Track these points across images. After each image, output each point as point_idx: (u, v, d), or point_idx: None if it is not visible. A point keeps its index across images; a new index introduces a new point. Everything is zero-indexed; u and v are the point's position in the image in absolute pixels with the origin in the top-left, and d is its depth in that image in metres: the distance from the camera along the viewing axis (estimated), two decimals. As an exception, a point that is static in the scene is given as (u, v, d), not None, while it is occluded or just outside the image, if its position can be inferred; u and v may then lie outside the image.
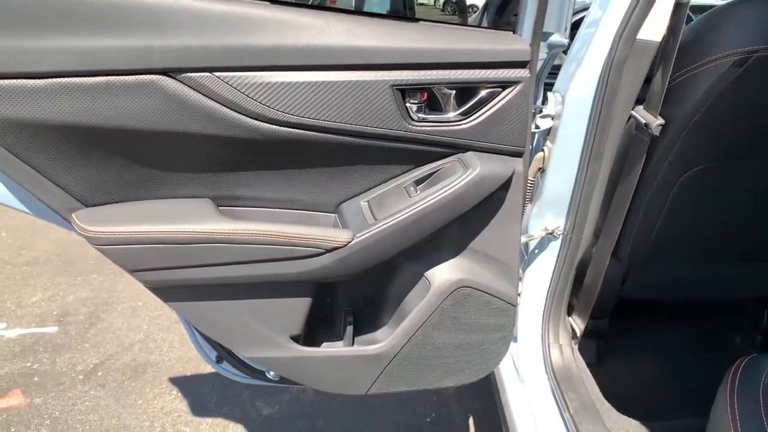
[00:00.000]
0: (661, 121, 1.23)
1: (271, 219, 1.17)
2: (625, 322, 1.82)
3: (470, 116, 1.09)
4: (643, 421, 1.44)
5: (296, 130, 1.03)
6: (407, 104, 1.07)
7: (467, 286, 1.25)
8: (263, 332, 1.19)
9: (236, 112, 0.99)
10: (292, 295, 1.18)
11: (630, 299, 1.73)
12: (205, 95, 0.97)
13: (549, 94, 1.34)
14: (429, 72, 1.04)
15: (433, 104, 1.11)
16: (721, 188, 1.37)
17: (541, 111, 1.33)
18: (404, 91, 1.06)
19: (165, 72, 0.95)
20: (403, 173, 1.18)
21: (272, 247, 1.07)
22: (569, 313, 1.67)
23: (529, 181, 1.42)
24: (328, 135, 1.05)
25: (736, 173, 1.33)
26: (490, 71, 1.05)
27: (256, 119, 1.00)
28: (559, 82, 1.32)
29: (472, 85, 1.07)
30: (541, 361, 1.48)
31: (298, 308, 1.20)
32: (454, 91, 1.10)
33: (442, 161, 1.15)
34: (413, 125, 1.07)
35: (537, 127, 1.33)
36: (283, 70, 0.99)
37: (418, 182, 1.16)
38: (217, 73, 0.97)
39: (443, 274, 1.24)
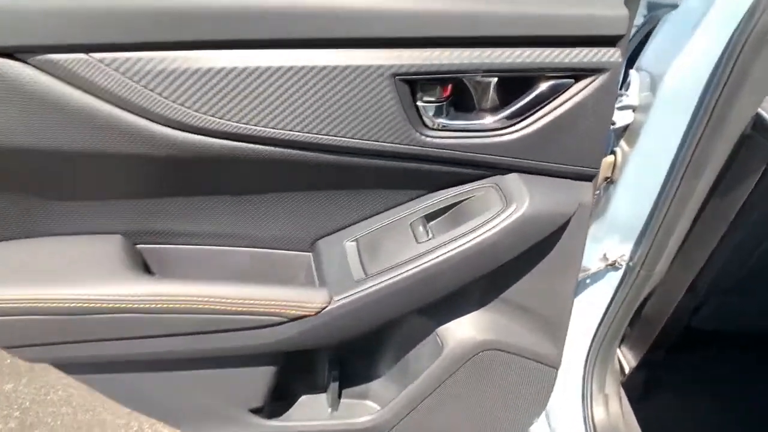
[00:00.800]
0: None
1: (211, 260, 0.80)
2: (680, 353, 1.46)
3: (519, 121, 0.70)
4: None
5: (235, 143, 0.65)
6: (419, 103, 0.68)
7: (495, 349, 0.89)
8: (214, 407, 0.87)
9: (133, 114, 0.61)
10: (249, 365, 0.84)
11: (696, 329, 1.37)
12: (79, 89, 0.59)
13: (632, 73, 0.91)
14: (457, 52, 0.63)
15: (460, 102, 0.71)
16: None
17: (617, 99, 0.91)
18: (414, 82, 0.66)
19: (7, 52, 0.57)
20: (409, 200, 0.79)
21: (209, 317, 0.72)
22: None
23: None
24: (291, 151, 0.67)
25: None
26: (557, 52, 0.65)
27: (166, 126, 0.62)
28: (649, 58, 0.89)
29: (528, 74, 0.66)
30: (580, 419, 1.14)
31: (257, 378, 0.86)
32: (494, 80, 0.70)
33: (469, 186, 0.76)
34: (428, 135, 0.69)
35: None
36: (208, 48, 0.60)
37: (430, 217, 0.78)
38: (96, 54, 0.58)
39: (463, 332, 0.89)
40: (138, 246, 0.79)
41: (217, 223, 0.78)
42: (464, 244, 0.72)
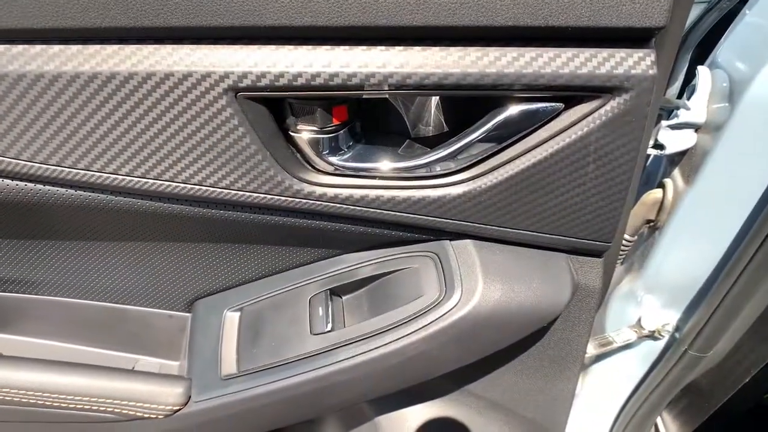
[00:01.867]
0: None
1: (56, 313, 0.59)
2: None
3: (473, 165, 0.43)
4: None
5: (51, 188, 0.44)
6: (293, 133, 0.43)
7: None
8: None
9: None
10: None
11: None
12: None
13: (701, 71, 0.59)
14: (352, 52, 0.38)
15: (374, 126, 0.44)
16: None
17: (671, 113, 0.60)
18: (277, 101, 0.42)
19: None
20: (318, 260, 0.54)
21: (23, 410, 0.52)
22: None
23: (626, 241, 0.72)
24: (127, 199, 0.44)
25: None
26: (534, 56, 0.38)
27: None
28: (727, 55, 0.57)
29: (484, 93, 0.38)
30: None
31: None
32: (434, 100, 0.43)
33: (399, 252, 0.50)
34: (314, 183, 0.45)
35: (658, 146, 0.60)
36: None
37: (339, 290, 0.52)
38: None
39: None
40: None
41: (59, 272, 0.56)
42: (376, 349, 0.46)
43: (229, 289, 0.58)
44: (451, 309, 0.45)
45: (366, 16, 0.35)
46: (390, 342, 0.46)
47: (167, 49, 0.38)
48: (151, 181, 0.43)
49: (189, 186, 0.43)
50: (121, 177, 0.43)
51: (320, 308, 0.51)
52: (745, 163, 0.58)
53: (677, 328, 0.75)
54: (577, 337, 0.54)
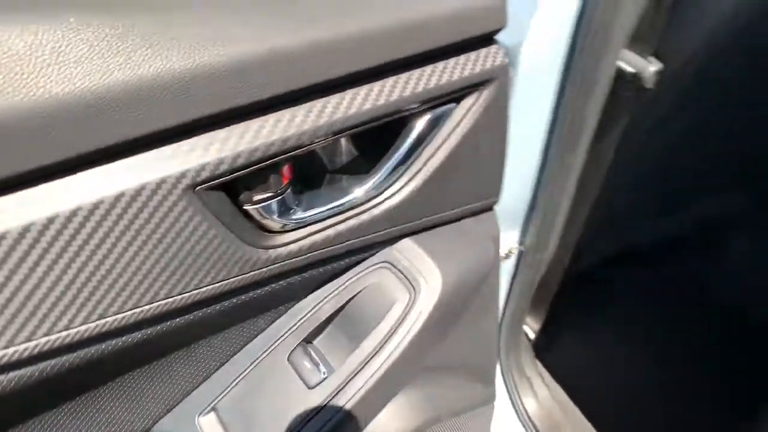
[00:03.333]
0: (658, 65, 0.70)
1: None
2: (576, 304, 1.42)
3: (399, 178, 0.51)
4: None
5: None
6: (249, 207, 0.45)
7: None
8: None
9: None
10: None
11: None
12: None
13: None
14: (285, 117, 0.42)
15: (309, 178, 0.49)
16: None
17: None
18: (230, 182, 0.43)
19: None
20: (274, 321, 0.56)
21: None
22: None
23: None
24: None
25: None
26: (426, 74, 0.46)
27: None
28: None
29: (396, 116, 0.46)
30: (517, 421, 1.04)
31: None
32: (341, 141, 0.49)
33: (353, 275, 0.55)
34: (275, 245, 0.47)
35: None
36: None
37: (308, 339, 0.55)
38: None
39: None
40: None
41: None
42: (380, 368, 0.51)
43: (189, 395, 0.55)
44: (428, 299, 0.52)
45: (290, 79, 0.39)
46: (389, 354, 0.52)
47: (102, 169, 0.36)
48: (119, 316, 0.40)
49: (156, 304, 0.41)
50: (83, 328, 0.39)
51: (305, 361, 0.53)
52: (532, 107, 0.76)
53: (521, 242, 0.95)
54: (494, 278, 0.67)
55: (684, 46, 0.66)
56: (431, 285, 0.53)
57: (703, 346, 0.86)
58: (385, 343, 0.53)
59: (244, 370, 0.55)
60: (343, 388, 0.52)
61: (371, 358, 0.53)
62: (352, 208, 0.49)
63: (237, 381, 0.55)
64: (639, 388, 0.93)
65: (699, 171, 0.84)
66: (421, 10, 0.43)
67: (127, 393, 0.51)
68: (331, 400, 0.52)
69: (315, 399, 0.52)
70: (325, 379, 0.53)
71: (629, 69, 0.66)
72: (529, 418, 1.00)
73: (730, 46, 0.63)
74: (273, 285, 0.49)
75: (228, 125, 0.39)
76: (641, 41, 0.67)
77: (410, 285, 0.54)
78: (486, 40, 0.48)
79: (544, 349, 1.13)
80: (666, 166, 0.81)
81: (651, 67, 0.66)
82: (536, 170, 0.82)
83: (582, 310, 1.15)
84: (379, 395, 0.55)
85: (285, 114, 0.41)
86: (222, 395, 0.55)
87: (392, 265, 0.55)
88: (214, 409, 0.55)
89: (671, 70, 0.64)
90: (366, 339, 0.53)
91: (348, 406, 0.52)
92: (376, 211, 0.50)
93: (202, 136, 0.38)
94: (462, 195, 0.56)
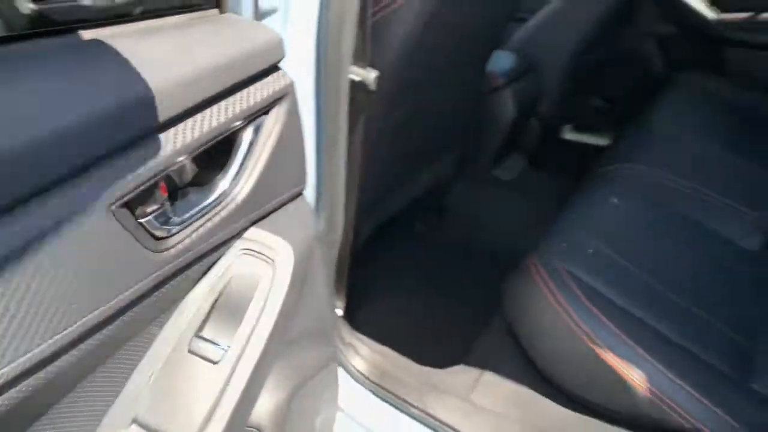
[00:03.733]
0: (375, 72, 0.83)
1: None
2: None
3: (240, 177, 0.65)
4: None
5: None
6: (143, 220, 0.55)
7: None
8: None
9: None
10: None
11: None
12: None
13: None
14: (157, 143, 0.54)
15: (177, 190, 0.62)
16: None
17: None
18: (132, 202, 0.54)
19: None
20: (156, 325, 0.66)
21: None
22: None
23: None
24: None
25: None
26: (239, 99, 0.61)
27: None
28: None
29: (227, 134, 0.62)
30: (350, 380, 1.06)
31: None
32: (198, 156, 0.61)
33: (222, 269, 0.67)
34: (166, 248, 0.58)
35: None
36: None
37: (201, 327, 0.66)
38: None
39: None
40: None
41: None
42: (263, 332, 0.64)
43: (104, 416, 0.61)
44: (285, 270, 0.66)
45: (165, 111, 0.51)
46: (268, 319, 0.65)
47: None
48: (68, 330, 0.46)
49: (85, 319, 0.48)
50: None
51: (204, 346, 0.63)
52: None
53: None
54: (316, 250, 0.78)
55: (385, 58, 0.92)
56: (285, 258, 0.65)
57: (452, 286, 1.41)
58: (262, 312, 0.64)
59: (152, 374, 0.63)
60: (242, 356, 0.63)
61: (255, 326, 0.64)
62: (214, 207, 0.61)
63: (148, 385, 0.62)
64: (420, 325, 1.31)
65: (420, 146, 1.31)
66: (228, 54, 0.57)
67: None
68: (237, 366, 0.63)
69: (224, 370, 0.62)
70: (226, 351, 0.63)
71: (357, 78, 0.80)
72: (360, 373, 1.05)
73: (411, 57, 0.94)
74: (169, 284, 0.59)
75: (125, 153, 0.49)
76: (360, 58, 0.80)
77: (269, 260, 0.65)
78: (275, 67, 0.65)
79: (351, 319, 1.16)
80: (396, 143, 1.13)
81: (371, 75, 0.81)
82: (315, 164, 0.86)
83: (370, 277, 1.36)
84: (267, 359, 0.66)
85: (158, 140, 0.52)
86: (139, 404, 0.61)
87: (250, 249, 0.66)
88: (135, 420, 0.61)
89: (381, 75, 0.82)
90: (247, 312, 0.64)
91: (250, 371, 0.63)
92: (232, 206, 0.62)
93: (110, 165, 0.48)
94: (284, 183, 0.71)
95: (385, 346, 1.13)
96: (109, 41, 0.51)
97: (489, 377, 1.06)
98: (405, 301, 1.39)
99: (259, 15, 0.68)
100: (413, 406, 0.99)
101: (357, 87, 0.82)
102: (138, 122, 0.50)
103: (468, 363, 1.09)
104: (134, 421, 0.61)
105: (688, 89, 1.76)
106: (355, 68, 0.80)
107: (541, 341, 0.99)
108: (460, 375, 1.08)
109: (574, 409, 0.95)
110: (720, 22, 2.00)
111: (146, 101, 0.49)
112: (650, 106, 1.64)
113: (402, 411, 1.00)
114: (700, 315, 0.98)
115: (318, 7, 0.69)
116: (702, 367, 0.87)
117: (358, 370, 1.03)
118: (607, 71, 2.02)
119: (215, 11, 0.65)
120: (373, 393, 1.02)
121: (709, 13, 2.02)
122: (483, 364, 1.08)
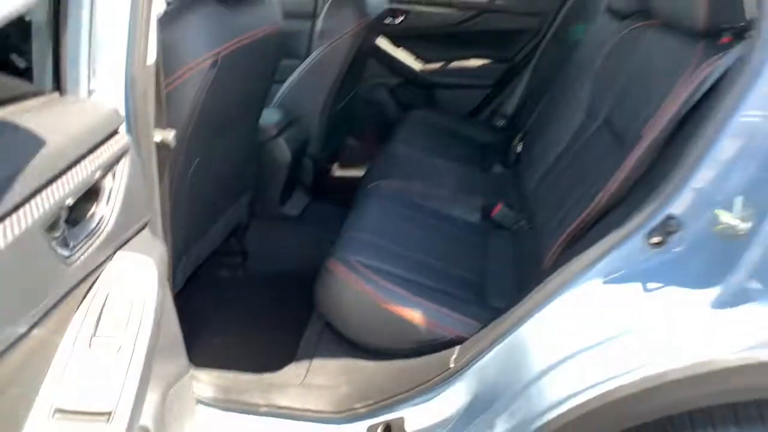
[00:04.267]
0: (173, 131, 1.02)
1: None
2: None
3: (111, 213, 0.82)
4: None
5: None
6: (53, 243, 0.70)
7: None
8: None
9: None
10: None
11: None
12: None
13: None
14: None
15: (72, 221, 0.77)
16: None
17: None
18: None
19: None
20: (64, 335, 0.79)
21: None
22: None
23: None
24: None
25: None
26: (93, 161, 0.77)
27: None
28: None
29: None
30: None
31: None
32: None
33: (105, 279, 0.82)
34: (72, 262, 0.72)
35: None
36: None
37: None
38: None
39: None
40: None
41: None
42: (149, 323, 0.80)
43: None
44: (161, 275, 0.85)
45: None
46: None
47: None
48: None
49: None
50: None
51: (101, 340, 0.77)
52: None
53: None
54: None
55: (181, 118, 1.15)
56: (150, 268, 0.83)
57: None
58: (143, 309, 0.80)
59: (65, 369, 0.74)
60: (135, 346, 0.78)
61: (141, 320, 0.79)
62: (96, 232, 0.77)
63: (62, 379, 0.74)
64: (249, 345, 1.49)
65: (217, 191, 1.53)
66: (79, 129, 0.75)
67: None
68: (132, 355, 0.77)
69: (123, 359, 0.77)
70: (122, 346, 0.77)
71: (158, 139, 0.96)
72: (210, 398, 1.20)
73: (200, 115, 1.19)
74: (73, 291, 0.73)
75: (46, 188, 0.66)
76: (160, 120, 0.98)
77: (140, 271, 0.83)
78: (115, 132, 0.82)
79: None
80: (195, 188, 1.31)
81: (170, 134, 0.97)
82: None
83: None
84: (152, 352, 0.81)
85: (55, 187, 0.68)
86: (57, 396, 0.72)
87: (123, 264, 0.83)
88: (58, 410, 0.71)
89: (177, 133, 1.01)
90: (132, 309, 0.80)
91: (143, 358, 0.78)
92: (108, 228, 0.79)
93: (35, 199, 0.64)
94: (136, 216, 0.87)
95: (223, 370, 1.27)
96: None
97: (317, 362, 1.29)
98: (230, 334, 1.55)
99: (90, 93, 0.84)
100: (261, 406, 1.16)
101: (160, 145, 0.98)
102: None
103: (299, 358, 1.31)
104: (57, 410, 0.73)
105: (415, 123, 2.34)
106: (157, 130, 0.96)
107: (350, 317, 1.27)
108: (294, 368, 1.28)
109: (385, 360, 1.23)
110: (424, 71, 2.73)
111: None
112: (390, 139, 2.15)
113: (251, 413, 1.16)
114: (449, 269, 1.39)
115: (124, 86, 0.85)
116: (456, 300, 1.26)
117: (207, 397, 1.17)
118: (353, 116, 2.51)
119: (56, 94, 0.82)
120: (224, 410, 1.16)
121: (416, 65, 2.73)
122: (311, 354, 1.31)
